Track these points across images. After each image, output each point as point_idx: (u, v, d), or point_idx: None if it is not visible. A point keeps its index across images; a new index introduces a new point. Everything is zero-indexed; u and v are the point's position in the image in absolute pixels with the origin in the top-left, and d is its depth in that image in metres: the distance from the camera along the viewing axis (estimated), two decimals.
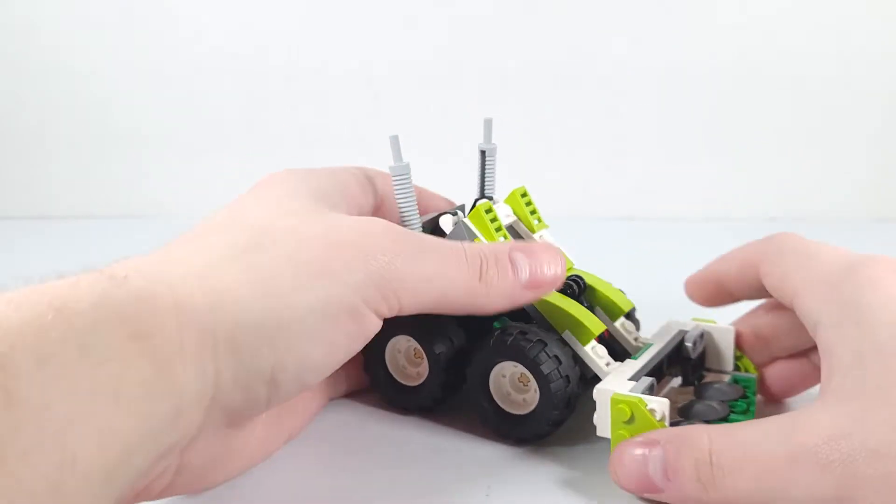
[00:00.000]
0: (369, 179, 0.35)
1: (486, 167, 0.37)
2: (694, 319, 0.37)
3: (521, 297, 0.31)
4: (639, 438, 0.28)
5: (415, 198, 0.33)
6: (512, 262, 0.30)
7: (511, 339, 0.32)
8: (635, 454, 0.28)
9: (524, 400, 0.33)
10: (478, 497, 0.30)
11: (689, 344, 0.34)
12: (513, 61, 0.77)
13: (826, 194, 0.78)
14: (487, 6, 0.75)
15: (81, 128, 0.81)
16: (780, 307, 0.34)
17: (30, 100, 0.81)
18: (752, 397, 0.34)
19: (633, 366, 0.32)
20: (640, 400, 0.29)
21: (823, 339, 0.28)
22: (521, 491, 0.31)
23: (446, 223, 0.34)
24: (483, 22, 0.76)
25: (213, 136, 0.80)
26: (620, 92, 0.77)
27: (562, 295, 0.34)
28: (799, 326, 0.31)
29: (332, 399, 0.37)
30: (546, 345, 0.31)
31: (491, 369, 0.33)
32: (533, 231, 0.37)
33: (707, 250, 0.38)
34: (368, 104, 0.78)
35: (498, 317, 0.34)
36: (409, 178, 0.33)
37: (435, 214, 0.35)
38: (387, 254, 0.27)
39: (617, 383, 0.30)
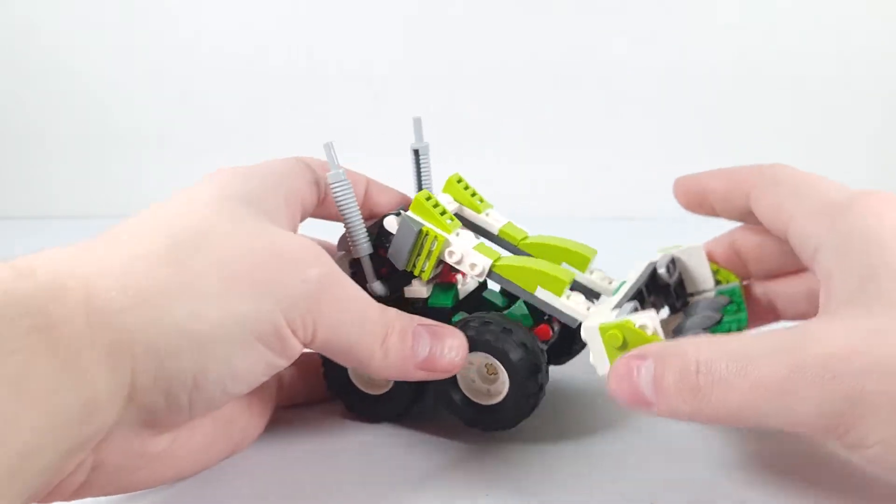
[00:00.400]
0: (313, 171, 0.33)
1: (422, 166, 0.36)
2: (659, 251, 0.36)
3: (413, 374, 0.30)
4: (633, 352, 0.27)
5: (356, 205, 0.32)
6: (415, 336, 0.30)
7: (475, 330, 0.32)
8: (628, 368, 0.26)
9: (494, 389, 0.33)
10: (477, 497, 0.30)
11: (661, 270, 0.34)
12: (513, 61, 0.77)
13: None
14: (487, 6, 0.75)
15: (81, 128, 0.81)
16: (765, 232, 0.34)
17: (30, 100, 0.81)
18: (739, 300, 0.33)
19: (612, 301, 0.31)
20: (628, 321, 0.28)
21: (824, 263, 0.28)
22: (521, 491, 0.31)
23: (391, 224, 0.33)
24: (483, 22, 0.76)
25: (213, 136, 0.80)
26: (620, 92, 0.77)
27: (523, 257, 0.34)
28: (785, 252, 0.31)
29: (287, 407, 0.36)
30: (511, 332, 0.31)
31: None
32: (479, 211, 0.36)
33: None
34: (368, 104, 0.78)
35: (456, 311, 0.34)
36: (348, 185, 0.32)
37: (379, 219, 0.34)
38: (318, 280, 0.27)
39: (600, 316, 0.30)
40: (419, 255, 0.33)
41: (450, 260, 0.33)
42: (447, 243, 0.33)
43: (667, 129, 0.78)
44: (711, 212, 0.36)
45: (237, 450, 0.31)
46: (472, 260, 0.32)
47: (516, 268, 0.32)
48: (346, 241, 0.34)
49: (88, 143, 0.81)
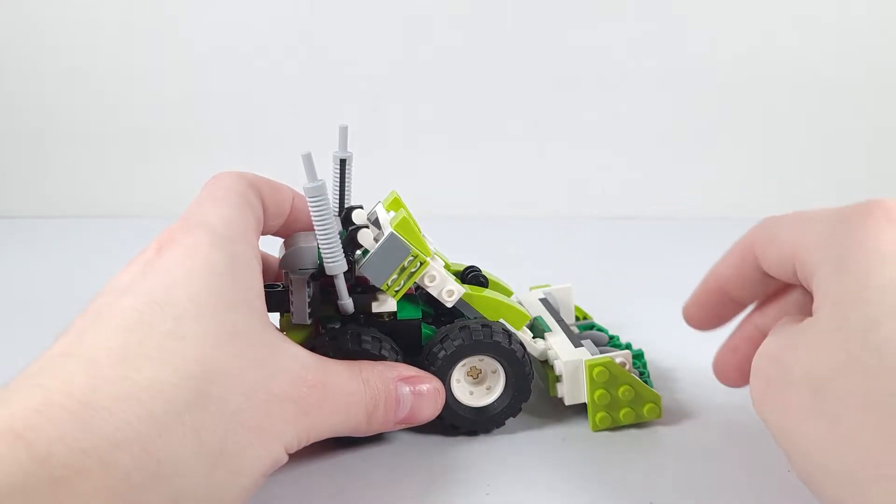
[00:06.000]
0: (255, 209, 0.32)
1: (345, 177, 0.35)
2: (532, 288, 0.42)
3: (392, 429, 0.33)
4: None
5: (332, 219, 0.31)
6: (396, 399, 0.32)
7: (480, 333, 0.33)
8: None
9: (485, 390, 0.35)
10: (478, 497, 0.30)
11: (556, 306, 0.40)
12: (513, 61, 0.77)
13: (826, 194, 0.77)
14: (488, 6, 0.75)
15: (81, 127, 0.81)
16: (740, 259, 0.33)
17: (30, 100, 0.81)
18: (643, 361, 0.38)
19: (556, 336, 0.37)
20: (609, 359, 0.34)
21: (820, 284, 0.26)
22: (521, 490, 0.31)
23: (366, 238, 0.32)
24: (483, 22, 0.76)
25: (213, 136, 0.80)
26: (620, 92, 0.77)
27: (481, 287, 0.36)
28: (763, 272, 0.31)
29: None
30: (511, 334, 0.34)
31: (454, 366, 0.34)
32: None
33: (707, 249, 0.38)
34: (369, 104, 0.78)
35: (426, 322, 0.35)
36: (325, 198, 0.30)
37: (351, 228, 0.33)
38: (318, 412, 0.29)
39: (575, 353, 0.35)
40: (398, 274, 0.32)
41: (429, 284, 0.33)
42: (429, 267, 0.33)
43: (666, 129, 0.78)
44: (734, 305, 0.34)
45: None
46: (449, 287, 0.33)
47: (484, 298, 0.35)
48: (291, 259, 0.32)
49: (88, 142, 0.81)
